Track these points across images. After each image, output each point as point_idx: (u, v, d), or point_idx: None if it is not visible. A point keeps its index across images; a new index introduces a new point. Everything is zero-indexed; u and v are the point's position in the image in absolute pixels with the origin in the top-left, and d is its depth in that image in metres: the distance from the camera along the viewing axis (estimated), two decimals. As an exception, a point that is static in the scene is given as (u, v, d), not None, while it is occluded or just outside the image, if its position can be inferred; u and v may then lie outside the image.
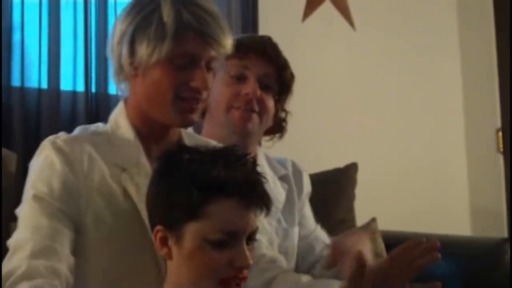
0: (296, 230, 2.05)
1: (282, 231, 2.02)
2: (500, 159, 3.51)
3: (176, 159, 1.43)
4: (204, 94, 1.58)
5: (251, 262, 1.38)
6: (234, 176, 1.39)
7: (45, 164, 1.54)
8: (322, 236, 2.08)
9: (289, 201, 2.07)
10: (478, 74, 3.64)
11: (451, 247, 2.66)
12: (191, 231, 1.38)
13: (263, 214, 1.41)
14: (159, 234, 1.41)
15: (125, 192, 1.55)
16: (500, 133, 3.52)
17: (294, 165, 2.15)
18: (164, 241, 1.40)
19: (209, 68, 1.58)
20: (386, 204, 3.13)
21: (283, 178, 2.10)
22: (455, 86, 3.64)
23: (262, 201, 1.41)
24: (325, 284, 1.67)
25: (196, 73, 1.56)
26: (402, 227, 2.84)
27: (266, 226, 1.95)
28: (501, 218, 3.46)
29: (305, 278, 1.73)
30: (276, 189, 2.03)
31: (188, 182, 1.38)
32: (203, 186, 1.38)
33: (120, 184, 1.56)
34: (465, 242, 2.77)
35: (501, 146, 3.53)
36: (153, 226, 1.43)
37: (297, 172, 2.14)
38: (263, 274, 1.73)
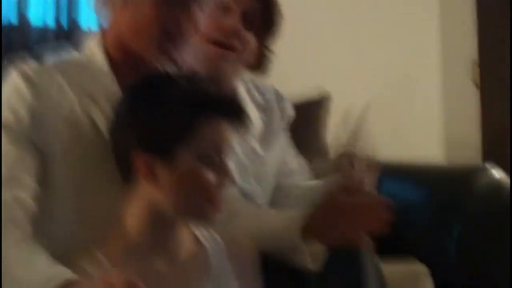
0: (273, 159, 2.05)
1: (257, 159, 2.01)
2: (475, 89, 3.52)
3: (160, 79, 1.42)
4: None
5: (234, 179, 1.43)
6: (223, 95, 1.40)
7: (12, 93, 1.52)
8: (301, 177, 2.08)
9: (269, 130, 2.06)
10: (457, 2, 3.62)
11: (423, 175, 2.68)
12: (185, 153, 1.39)
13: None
14: (142, 159, 1.39)
15: (94, 124, 1.53)
16: (476, 64, 3.52)
17: (276, 92, 2.12)
18: (148, 166, 1.39)
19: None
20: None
21: (262, 109, 2.07)
22: (431, 14, 3.61)
23: (244, 120, 1.42)
24: (288, 218, 1.67)
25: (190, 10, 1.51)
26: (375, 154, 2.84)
27: (240, 154, 1.96)
28: (475, 147, 3.48)
29: (269, 212, 1.74)
30: (254, 118, 2.02)
31: (181, 101, 1.38)
32: (199, 104, 1.37)
33: (89, 116, 1.54)
34: (438, 170, 2.77)
35: (476, 77, 3.53)
36: (124, 152, 1.42)
37: (279, 98, 2.11)
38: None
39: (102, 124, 1.53)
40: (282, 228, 1.65)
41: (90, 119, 1.53)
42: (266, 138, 2.04)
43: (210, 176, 1.41)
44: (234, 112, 1.42)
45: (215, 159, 1.41)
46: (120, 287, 1.18)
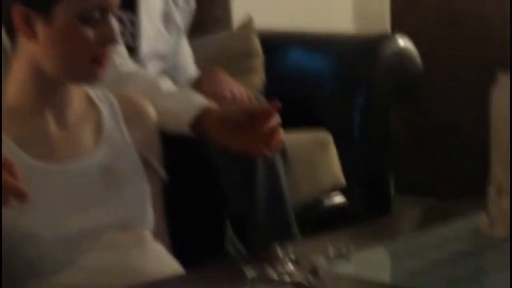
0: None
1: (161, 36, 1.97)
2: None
3: None
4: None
5: (118, 39, 1.40)
6: None
7: None
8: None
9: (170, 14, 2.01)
10: None
11: (330, 44, 2.66)
12: (63, 8, 1.34)
13: None
14: (19, 12, 1.35)
15: None
16: None
17: None
18: (26, 20, 1.35)
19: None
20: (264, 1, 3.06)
21: None
22: None
23: None
24: (188, 98, 1.62)
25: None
26: (281, 24, 2.81)
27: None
28: (383, 16, 3.47)
29: (166, 84, 1.68)
30: None
31: None
32: None
33: None
34: (345, 38, 2.76)
35: None
36: (7, 9, 1.36)
37: None
38: (118, 68, 1.68)
39: None
40: (174, 112, 1.60)
41: None
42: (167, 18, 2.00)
43: (90, 33, 1.36)
44: None
45: (96, 17, 1.36)
46: None
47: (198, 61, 2.21)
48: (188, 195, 1.64)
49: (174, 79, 1.87)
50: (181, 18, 2.05)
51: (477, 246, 1.31)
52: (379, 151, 2.48)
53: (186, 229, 1.58)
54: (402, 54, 2.49)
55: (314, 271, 1.16)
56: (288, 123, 1.60)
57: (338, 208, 2.34)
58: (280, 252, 1.25)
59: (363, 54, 2.52)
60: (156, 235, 1.44)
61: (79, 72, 1.39)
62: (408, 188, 3.15)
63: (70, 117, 1.43)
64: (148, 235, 1.41)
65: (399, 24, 3.34)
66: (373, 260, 1.25)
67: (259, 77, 2.43)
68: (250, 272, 1.16)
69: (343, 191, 2.34)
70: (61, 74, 1.39)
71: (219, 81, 1.90)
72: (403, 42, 2.50)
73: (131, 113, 1.50)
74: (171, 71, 2.00)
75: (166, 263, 1.38)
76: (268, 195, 1.76)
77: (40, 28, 1.36)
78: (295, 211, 1.82)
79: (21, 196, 1.16)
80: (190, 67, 2.10)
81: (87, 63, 1.38)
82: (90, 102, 1.48)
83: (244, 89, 1.89)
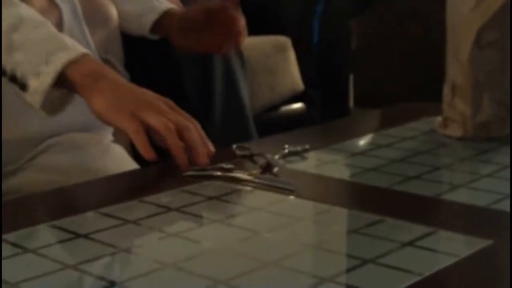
0: None
1: None
2: None
3: None
4: None
5: None
6: None
7: None
8: None
9: None
10: None
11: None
12: None
13: None
14: None
15: None
16: None
17: None
18: None
19: None
20: None
21: None
22: None
23: None
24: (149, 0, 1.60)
25: None
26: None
27: None
28: None
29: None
30: None
31: None
32: None
33: None
34: None
35: None
36: None
37: None
38: None
39: None
40: (135, 15, 1.57)
41: None
42: None
43: None
44: None
45: None
46: None
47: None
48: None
49: None
50: None
51: (432, 145, 1.33)
52: (338, 59, 2.49)
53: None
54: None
55: (268, 167, 1.17)
56: (249, 29, 1.60)
57: (296, 114, 2.35)
58: (236, 151, 1.26)
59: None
60: (116, 136, 1.43)
61: None
62: (368, 101, 3.16)
63: None
64: (108, 136, 1.41)
65: None
66: (328, 158, 1.26)
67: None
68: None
69: (302, 98, 2.35)
70: None
71: None
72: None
73: (93, 13, 1.48)
74: None
75: (125, 163, 1.38)
76: (226, 94, 1.77)
77: None
78: (254, 116, 1.83)
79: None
80: None
81: None
82: (50, 0, 1.44)
83: None
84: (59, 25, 1.43)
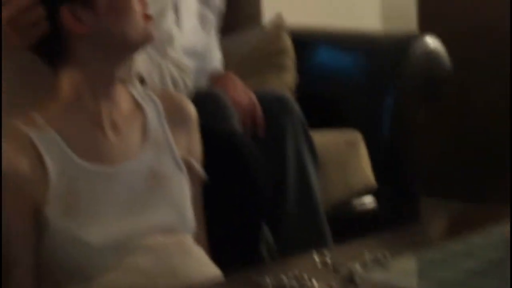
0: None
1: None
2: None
3: None
4: None
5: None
6: None
7: None
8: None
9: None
10: None
11: (359, 43, 2.68)
12: None
13: None
14: (69, 12, 1.37)
15: None
16: None
17: None
18: (75, 16, 1.37)
19: None
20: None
21: None
22: None
23: None
24: None
25: None
26: (311, 21, 2.83)
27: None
28: (411, 15, 3.47)
29: None
30: None
31: None
32: None
33: None
34: (374, 38, 2.77)
35: None
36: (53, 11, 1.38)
37: None
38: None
39: None
40: None
41: None
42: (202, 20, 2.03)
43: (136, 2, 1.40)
44: None
45: None
46: None
47: (230, 59, 2.23)
48: (223, 196, 1.66)
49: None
50: (213, 17, 2.09)
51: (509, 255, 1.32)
52: (407, 152, 2.49)
53: (221, 231, 1.60)
54: (430, 54, 2.51)
55: (350, 278, 1.18)
56: (318, 122, 1.62)
57: (368, 210, 2.33)
58: (317, 258, 1.27)
59: (392, 54, 2.53)
60: (196, 238, 1.46)
61: (139, 32, 1.40)
62: (435, 190, 3.13)
63: (119, 119, 1.44)
64: (189, 238, 1.43)
65: (427, 23, 3.34)
66: (407, 268, 1.27)
67: (290, 76, 2.44)
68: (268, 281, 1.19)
69: (372, 193, 2.34)
70: (124, 39, 1.40)
71: (229, 85, 1.94)
72: (432, 42, 2.52)
73: (173, 112, 1.51)
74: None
75: (207, 267, 1.40)
76: (300, 196, 1.79)
77: (86, 16, 1.38)
78: (326, 213, 1.83)
79: None
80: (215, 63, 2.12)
81: (141, 19, 1.40)
82: (135, 103, 1.49)
83: (251, 95, 1.93)
84: (144, 126, 1.47)
